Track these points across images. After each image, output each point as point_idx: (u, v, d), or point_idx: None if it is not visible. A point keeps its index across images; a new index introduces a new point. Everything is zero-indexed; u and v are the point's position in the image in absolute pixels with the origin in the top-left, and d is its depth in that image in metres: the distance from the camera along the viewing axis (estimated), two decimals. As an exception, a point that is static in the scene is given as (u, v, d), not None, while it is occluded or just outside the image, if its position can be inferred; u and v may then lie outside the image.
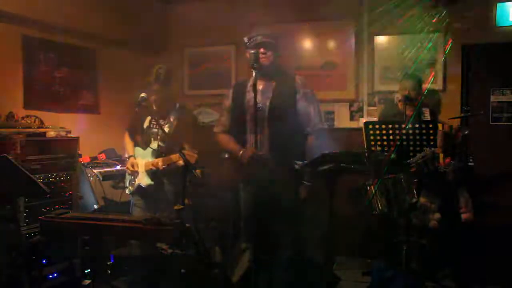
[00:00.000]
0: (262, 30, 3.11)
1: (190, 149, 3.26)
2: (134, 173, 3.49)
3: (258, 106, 2.94)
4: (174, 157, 3.28)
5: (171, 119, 3.47)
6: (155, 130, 3.48)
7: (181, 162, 3.11)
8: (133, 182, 3.51)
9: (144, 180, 3.44)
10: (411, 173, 3.07)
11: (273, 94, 3.04)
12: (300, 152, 3.02)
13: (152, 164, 3.38)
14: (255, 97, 2.87)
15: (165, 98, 3.48)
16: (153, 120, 3.43)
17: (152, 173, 3.43)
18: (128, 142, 3.67)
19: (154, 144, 3.45)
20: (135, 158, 3.51)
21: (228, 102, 3.23)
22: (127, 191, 3.62)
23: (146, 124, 3.52)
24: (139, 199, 3.53)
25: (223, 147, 3.26)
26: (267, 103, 3.03)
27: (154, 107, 3.51)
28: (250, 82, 3.07)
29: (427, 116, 3.86)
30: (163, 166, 3.33)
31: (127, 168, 3.54)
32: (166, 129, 3.41)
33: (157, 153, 3.43)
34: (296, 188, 3.04)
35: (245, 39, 3.09)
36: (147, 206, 3.49)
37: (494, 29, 4.26)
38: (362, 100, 4.89)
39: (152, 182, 3.43)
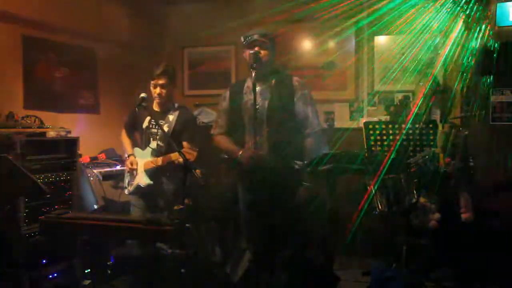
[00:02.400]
0: (257, 29, 3.09)
1: (189, 148, 3.27)
2: (133, 171, 3.49)
3: (254, 108, 2.93)
4: (174, 155, 3.28)
5: (170, 119, 3.47)
6: (154, 130, 3.48)
7: (180, 161, 3.12)
8: (132, 182, 3.51)
9: (143, 180, 3.44)
10: (411, 173, 3.07)
11: (271, 95, 3.02)
12: (299, 152, 3.02)
13: (152, 162, 3.39)
14: (254, 99, 2.87)
15: (169, 94, 3.50)
16: (153, 120, 3.43)
17: (151, 172, 3.43)
18: (125, 140, 3.67)
19: (154, 144, 3.45)
20: (134, 157, 3.51)
21: (225, 103, 3.20)
22: (125, 192, 3.61)
23: (145, 124, 3.52)
24: (138, 199, 3.53)
25: (222, 148, 3.26)
26: (266, 105, 3.01)
27: (157, 102, 3.50)
28: (248, 83, 3.07)
29: (436, 116, 3.86)
30: (164, 162, 3.34)
31: (126, 166, 3.54)
32: (165, 129, 3.41)
33: (156, 153, 3.44)
34: (296, 188, 3.03)
35: (242, 38, 3.08)
36: (146, 206, 3.50)
37: (494, 29, 4.25)
38: (362, 100, 4.89)
39: (151, 182, 3.43)
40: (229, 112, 3.18)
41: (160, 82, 3.43)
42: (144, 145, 3.51)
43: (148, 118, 3.51)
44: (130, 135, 3.67)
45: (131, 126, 3.66)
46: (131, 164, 3.48)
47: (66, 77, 4.52)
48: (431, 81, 3.91)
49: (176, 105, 3.57)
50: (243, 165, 2.99)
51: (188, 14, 5.45)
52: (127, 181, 3.58)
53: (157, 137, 3.47)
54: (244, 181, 3.15)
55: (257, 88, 2.98)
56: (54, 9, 4.25)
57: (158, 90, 3.45)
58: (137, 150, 3.55)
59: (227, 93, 3.22)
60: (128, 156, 3.56)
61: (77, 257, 3.55)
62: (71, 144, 3.84)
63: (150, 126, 3.50)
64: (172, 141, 3.21)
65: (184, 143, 3.42)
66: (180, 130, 3.46)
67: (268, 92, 3.04)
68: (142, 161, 3.47)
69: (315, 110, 3.10)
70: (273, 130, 2.99)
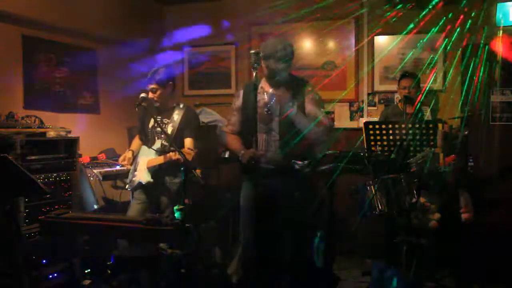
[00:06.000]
0: (278, 40, 3.13)
1: (189, 147, 3.30)
2: (136, 168, 3.53)
3: (268, 109, 3.04)
4: (173, 155, 3.29)
5: (175, 118, 3.50)
6: (159, 129, 3.51)
7: (181, 159, 3.13)
8: (134, 179, 3.54)
9: (144, 177, 3.47)
10: (411, 173, 3.07)
11: (283, 98, 3.08)
12: (309, 152, 3.07)
13: (154, 160, 3.43)
14: (254, 98, 2.95)
15: (163, 96, 3.51)
16: (156, 120, 3.46)
17: (154, 171, 3.46)
18: (135, 140, 3.75)
19: (158, 143, 3.49)
20: (133, 153, 3.57)
21: (238, 102, 3.27)
22: (126, 187, 3.65)
23: (151, 124, 3.58)
24: (139, 193, 3.55)
25: (228, 147, 3.32)
26: (278, 106, 3.07)
27: (157, 104, 3.53)
28: (262, 84, 3.15)
29: (427, 115, 3.87)
30: (165, 160, 3.37)
31: (119, 161, 3.59)
32: (170, 129, 3.46)
33: (160, 152, 3.46)
34: (297, 188, 3.05)
35: (261, 54, 3.06)
36: (147, 200, 3.52)
37: (494, 29, 4.25)
38: (362, 100, 4.89)
39: (152, 180, 3.46)
40: (241, 111, 3.23)
41: (150, 87, 3.48)
42: (150, 144, 3.56)
43: (153, 118, 3.54)
44: (142, 138, 3.71)
45: (141, 130, 3.69)
46: (123, 159, 3.52)
47: (66, 77, 4.52)
48: (413, 80, 3.92)
49: (181, 105, 3.60)
50: (243, 164, 3.02)
51: (188, 14, 5.45)
52: (130, 177, 3.62)
53: (162, 136, 3.50)
54: (246, 180, 3.17)
55: (269, 90, 3.10)
56: (54, 9, 4.25)
57: (150, 95, 3.50)
58: (144, 148, 3.60)
59: (240, 92, 3.29)
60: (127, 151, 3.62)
61: (77, 257, 3.55)
62: (71, 144, 3.84)
63: (156, 125, 3.54)
64: (174, 141, 3.25)
65: (187, 141, 3.45)
66: (184, 128, 3.50)
67: (280, 95, 3.09)
68: (146, 159, 3.50)
69: (324, 112, 3.18)
70: (285, 131, 3.05)
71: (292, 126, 3.05)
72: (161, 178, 3.48)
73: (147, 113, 3.54)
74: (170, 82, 3.55)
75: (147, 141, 3.59)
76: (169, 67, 3.60)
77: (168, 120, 3.51)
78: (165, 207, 3.46)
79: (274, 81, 3.09)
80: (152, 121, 3.55)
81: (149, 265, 3.03)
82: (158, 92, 3.48)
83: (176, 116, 3.51)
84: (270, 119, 3.08)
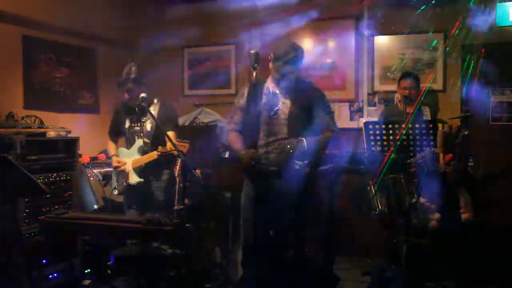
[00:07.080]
0: (289, 43, 3.12)
1: (178, 139, 3.29)
2: (122, 170, 3.53)
3: (274, 111, 3.01)
4: (169, 146, 3.26)
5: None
6: (137, 128, 3.52)
7: (175, 152, 3.11)
8: (121, 182, 3.53)
9: (133, 178, 3.48)
10: (411, 173, 3.07)
11: (292, 103, 3.06)
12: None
13: (148, 157, 3.41)
14: (247, 97, 2.99)
15: (142, 95, 3.48)
16: (135, 119, 3.47)
17: (141, 171, 3.46)
18: (109, 144, 3.73)
19: (140, 141, 3.49)
20: (117, 156, 3.57)
21: (242, 101, 3.20)
22: (115, 192, 3.62)
23: (127, 124, 3.57)
24: (129, 198, 3.55)
25: (230, 145, 3.29)
26: (287, 109, 3.05)
27: (132, 103, 3.52)
28: (267, 84, 3.12)
29: (427, 115, 3.87)
30: (159, 153, 3.34)
31: (113, 164, 3.58)
32: (149, 125, 3.48)
33: (143, 150, 3.45)
34: (297, 189, 3.05)
35: (271, 55, 3.05)
36: (136, 204, 3.51)
37: (494, 29, 4.25)
38: (362, 100, 4.89)
39: (142, 180, 3.47)
40: (246, 110, 3.17)
41: (126, 87, 3.48)
42: (129, 144, 3.56)
43: (129, 118, 3.56)
44: (115, 139, 3.72)
45: (115, 131, 3.70)
46: (118, 162, 3.52)
47: (66, 77, 4.52)
48: (413, 80, 3.92)
49: (155, 100, 3.59)
50: (243, 164, 3.02)
51: (188, 14, 5.45)
52: (115, 182, 3.59)
53: (142, 134, 3.50)
54: (246, 181, 3.17)
55: (276, 91, 3.07)
56: (54, 9, 4.25)
57: (127, 95, 3.49)
58: (123, 150, 3.59)
59: (245, 90, 3.22)
60: (112, 156, 3.61)
61: (77, 257, 3.55)
62: (71, 144, 3.84)
63: (132, 125, 3.55)
64: (156, 137, 3.29)
65: (169, 134, 3.42)
66: (163, 122, 3.44)
67: (289, 99, 3.07)
68: (129, 160, 3.50)
69: (333, 118, 3.17)
70: (292, 135, 3.03)
71: (297, 127, 3.03)
72: (147, 178, 3.49)
73: (125, 115, 3.55)
74: (144, 80, 3.53)
75: (126, 142, 3.58)
76: (139, 65, 3.58)
77: (145, 118, 3.50)
78: (154, 208, 3.44)
79: (282, 84, 3.05)
80: (128, 121, 3.55)
81: (149, 265, 3.03)
82: (134, 92, 3.44)
83: (152, 111, 3.46)
84: (275, 121, 3.03)
